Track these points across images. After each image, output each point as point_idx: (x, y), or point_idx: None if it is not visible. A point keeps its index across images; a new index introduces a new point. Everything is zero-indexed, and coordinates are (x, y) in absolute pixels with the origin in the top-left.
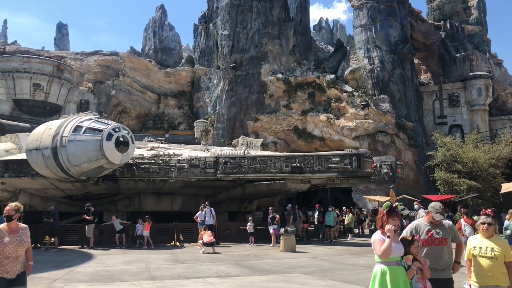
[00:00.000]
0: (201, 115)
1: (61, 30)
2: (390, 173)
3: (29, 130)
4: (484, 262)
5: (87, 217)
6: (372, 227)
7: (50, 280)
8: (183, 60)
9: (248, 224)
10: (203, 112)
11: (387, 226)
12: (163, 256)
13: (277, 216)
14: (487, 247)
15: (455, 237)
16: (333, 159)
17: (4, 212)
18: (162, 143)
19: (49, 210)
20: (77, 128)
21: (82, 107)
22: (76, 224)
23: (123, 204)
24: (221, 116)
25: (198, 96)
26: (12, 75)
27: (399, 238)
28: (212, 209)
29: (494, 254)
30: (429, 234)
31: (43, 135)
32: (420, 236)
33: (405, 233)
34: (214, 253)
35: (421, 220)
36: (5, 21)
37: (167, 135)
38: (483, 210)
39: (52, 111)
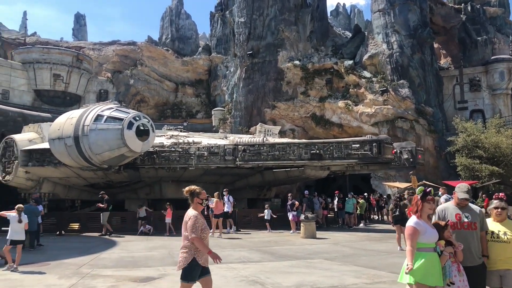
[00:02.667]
0: (218, 103)
1: (79, 20)
2: (411, 159)
3: (50, 120)
4: (497, 246)
5: (101, 205)
6: (396, 212)
7: (76, 265)
8: (200, 49)
9: (265, 211)
10: (220, 100)
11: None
12: None
13: (296, 202)
14: (499, 231)
15: (483, 224)
16: (353, 145)
17: (203, 196)
18: (181, 131)
19: (33, 198)
20: (98, 117)
21: (101, 96)
22: (98, 212)
23: (144, 192)
24: (239, 104)
25: (215, 84)
26: (33, 66)
27: (432, 223)
28: (230, 196)
29: (507, 238)
30: (457, 217)
31: (65, 124)
32: (449, 220)
33: (434, 217)
34: (234, 238)
35: (449, 203)
36: (25, 13)
37: (185, 124)
38: (496, 194)
39: (72, 101)
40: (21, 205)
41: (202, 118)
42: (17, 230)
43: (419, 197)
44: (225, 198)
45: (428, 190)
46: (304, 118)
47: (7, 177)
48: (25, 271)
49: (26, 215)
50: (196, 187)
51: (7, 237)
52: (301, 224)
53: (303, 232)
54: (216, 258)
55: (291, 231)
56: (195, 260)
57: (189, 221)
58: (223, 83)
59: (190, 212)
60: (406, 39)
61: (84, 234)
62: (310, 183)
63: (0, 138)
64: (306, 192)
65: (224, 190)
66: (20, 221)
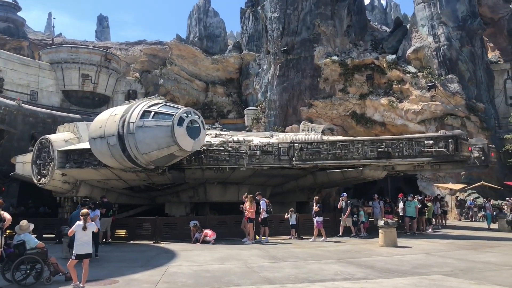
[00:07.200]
0: (250, 103)
1: (102, 22)
2: (483, 158)
3: (80, 121)
4: None
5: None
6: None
7: (150, 283)
8: (230, 46)
9: (289, 216)
10: (252, 99)
11: None
12: (253, 252)
13: (315, 208)
14: None
15: None
16: (426, 141)
17: None
18: (221, 130)
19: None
20: (145, 113)
21: (130, 97)
22: (139, 216)
23: (187, 195)
24: (273, 102)
25: (247, 83)
26: (61, 66)
27: None
28: (264, 200)
29: None
30: None
31: (107, 122)
32: None
33: None
34: (307, 247)
35: None
36: (50, 14)
37: (217, 124)
38: None
39: (101, 101)
40: (86, 210)
41: (234, 118)
42: (82, 241)
43: None
44: (261, 202)
45: None
46: (343, 117)
47: (42, 180)
48: None
49: (93, 223)
50: None
51: (73, 251)
52: (380, 230)
53: (382, 240)
54: None
55: (311, 239)
56: None
57: None
58: (256, 82)
59: None
60: (454, 30)
61: (131, 241)
62: (350, 185)
63: (30, 139)
64: (344, 194)
65: (257, 193)
66: (84, 228)
